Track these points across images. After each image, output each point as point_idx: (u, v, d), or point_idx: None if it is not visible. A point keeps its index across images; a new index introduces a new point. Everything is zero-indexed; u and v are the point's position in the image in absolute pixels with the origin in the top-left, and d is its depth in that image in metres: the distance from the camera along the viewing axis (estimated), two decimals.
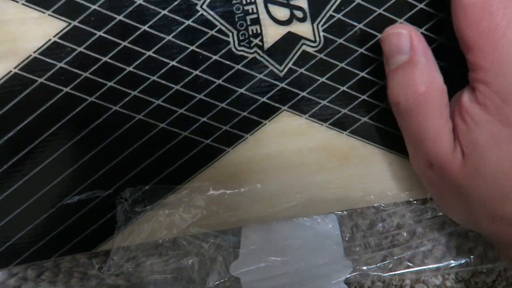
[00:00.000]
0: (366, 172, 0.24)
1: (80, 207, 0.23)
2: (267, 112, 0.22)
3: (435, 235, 0.25)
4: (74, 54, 0.21)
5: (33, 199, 0.22)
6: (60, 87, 0.21)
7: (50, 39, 0.20)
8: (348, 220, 0.25)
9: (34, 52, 0.20)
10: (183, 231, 0.23)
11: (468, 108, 0.19)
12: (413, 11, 0.22)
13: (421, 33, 0.22)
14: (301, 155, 0.23)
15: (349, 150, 0.23)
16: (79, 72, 0.21)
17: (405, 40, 0.19)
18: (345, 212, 0.25)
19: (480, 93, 0.19)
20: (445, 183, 0.20)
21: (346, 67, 0.22)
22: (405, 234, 0.25)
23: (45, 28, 0.20)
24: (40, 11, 0.20)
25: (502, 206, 0.19)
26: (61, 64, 0.21)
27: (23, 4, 0.20)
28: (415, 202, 0.25)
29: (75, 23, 0.20)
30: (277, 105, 0.22)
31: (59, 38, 0.20)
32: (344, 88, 0.22)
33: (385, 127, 0.23)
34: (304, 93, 0.22)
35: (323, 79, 0.22)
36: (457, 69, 0.21)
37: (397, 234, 0.25)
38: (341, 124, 0.23)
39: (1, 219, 0.22)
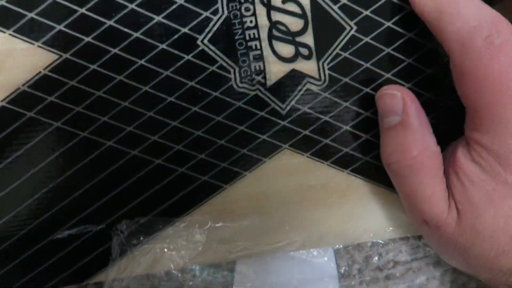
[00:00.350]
0: (365, 209, 0.23)
1: (71, 241, 0.22)
2: (268, 150, 0.22)
3: (430, 269, 0.25)
4: (65, 87, 0.19)
5: (21, 233, 0.21)
6: (51, 122, 0.20)
7: (39, 72, 0.19)
8: (344, 253, 0.25)
9: (23, 85, 0.19)
10: (182, 266, 0.23)
11: (463, 165, 0.19)
12: (421, 51, 0.21)
13: (432, 72, 0.21)
14: (301, 192, 0.22)
15: (349, 188, 0.23)
16: (71, 106, 0.20)
17: (398, 101, 0.19)
18: (341, 245, 0.25)
19: (476, 153, 0.18)
20: (441, 238, 0.20)
21: (350, 106, 0.21)
22: (400, 268, 0.25)
23: (34, 60, 0.19)
24: (28, 42, 0.19)
25: (498, 260, 0.19)
26: (52, 98, 0.19)
27: (10, 34, 0.19)
28: (411, 237, 0.25)
29: (67, 55, 0.19)
30: (278, 143, 0.21)
31: (49, 71, 0.19)
32: (347, 127, 0.22)
33: None
34: (306, 132, 0.21)
35: (326, 118, 0.21)
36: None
37: (392, 268, 0.25)
38: (342, 163, 0.22)
39: None
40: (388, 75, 0.21)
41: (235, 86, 0.20)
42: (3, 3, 0.18)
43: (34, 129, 0.20)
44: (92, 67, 0.19)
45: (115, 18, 0.19)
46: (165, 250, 0.22)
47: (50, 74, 0.19)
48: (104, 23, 0.19)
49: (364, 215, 0.23)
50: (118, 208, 0.22)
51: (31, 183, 0.21)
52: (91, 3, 0.19)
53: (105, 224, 0.22)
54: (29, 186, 0.21)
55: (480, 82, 0.17)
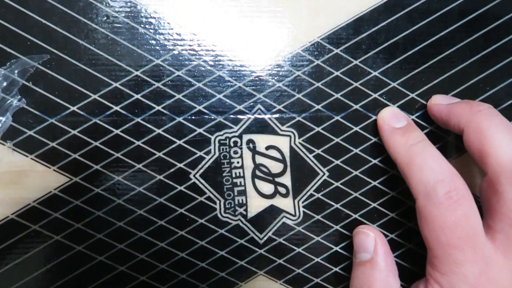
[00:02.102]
0: None
1: None
2: (244, 275, 0.23)
3: None
4: (70, 206, 0.22)
5: None
6: (51, 235, 0.22)
7: (50, 191, 0.22)
8: None
9: (34, 201, 0.22)
10: None
11: None
12: (386, 197, 0.24)
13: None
14: None
15: None
16: (72, 222, 0.22)
17: (370, 241, 0.22)
18: None
19: None
20: None
21: (321, 241, 0.24)
22: None
23: (48, 181, 0.22)
24: (46, 165, 0.22)
25: None
26: (57, 214, 0.22)
27: (31, 158, 0.22)
28: None
29: (77, 179, 0.22)
30: (254, 269, 0.23)
31: (59, 191, 0.22)
32: (319, 259, 0.24)
33: None
34: (280, 261, 0.23)
35: (300, 250, 0.24)
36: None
37: None
38: None
39: None
40: (356, 216, 0.24)
41: (219, 215, 0.23)
42: (31, 133, 0.22)
43: (36, 240, 0.22)
44: (97, 190, 0.22)
45: (122, 152, 0.22)
46: None
47: (59, 193, 0.22)
48: (113, 154, 0.22)
49: None
50: None
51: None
52: (105, 138, 0.22)
53: None
54: None
55: (438, 229, 0.20)
